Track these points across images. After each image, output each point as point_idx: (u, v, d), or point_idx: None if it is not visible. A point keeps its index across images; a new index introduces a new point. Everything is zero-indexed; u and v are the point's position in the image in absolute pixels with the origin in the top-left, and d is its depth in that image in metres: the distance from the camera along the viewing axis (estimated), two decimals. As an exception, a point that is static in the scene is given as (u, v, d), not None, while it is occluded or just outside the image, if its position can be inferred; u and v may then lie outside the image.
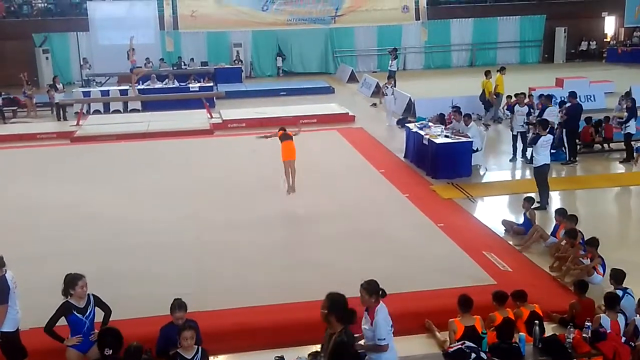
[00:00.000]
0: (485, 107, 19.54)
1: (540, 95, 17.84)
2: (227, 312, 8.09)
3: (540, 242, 10.11)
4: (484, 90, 19.55)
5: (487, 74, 19.67)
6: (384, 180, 13.73)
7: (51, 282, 8.92)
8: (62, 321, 6.49)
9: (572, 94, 15.60)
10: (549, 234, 10.13)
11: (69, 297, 6.47)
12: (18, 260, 9.85)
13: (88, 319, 6.51)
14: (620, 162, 15.06)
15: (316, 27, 31.15)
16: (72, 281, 6.47)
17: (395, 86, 24.94)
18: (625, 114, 15.25)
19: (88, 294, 6.54)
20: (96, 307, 6.63)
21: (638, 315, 7.11)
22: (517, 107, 15.68)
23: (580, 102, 16.25)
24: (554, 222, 10.29)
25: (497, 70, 19.96)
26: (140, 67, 23.10)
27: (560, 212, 10.19)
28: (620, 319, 7.03)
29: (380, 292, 6.27)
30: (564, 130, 15.12)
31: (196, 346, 6.18)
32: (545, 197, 11.86)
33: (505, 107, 19.63)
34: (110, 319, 6.73)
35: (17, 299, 6.86)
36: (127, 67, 26.15)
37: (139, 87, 23.96)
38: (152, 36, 29.14)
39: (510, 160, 15.39)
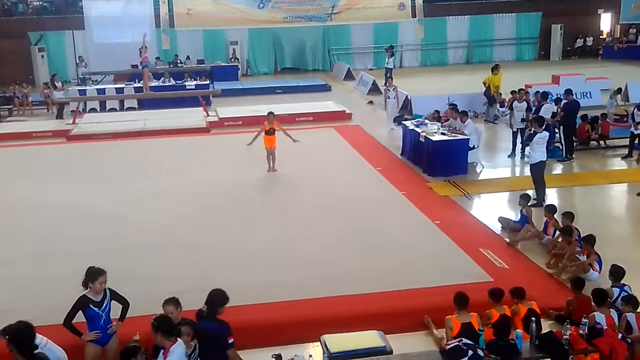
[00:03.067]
0: (490, 103, 19.51)
1: (537, 92, 17.91)
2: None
3: (534, 240, 10.13)
4: (489, 86, 19.52)
5: (494, 69, 19.67)
6: (381, 178, 13.73)
7: (48, 281, 8.97)
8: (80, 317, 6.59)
9: (568, 91, 15.61)
10: (542, 231, 10.17)
11: (88, 290, 6.55)
12: (16, 259, 9.91)
13: (104, 313, 6.60)
14: (622, 158, 15.08)
15: (312, 24, 31.14)
16: (93, 275, 6.56)
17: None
18: None
19: (104, 288, 6.62)
20: (112, 301, 6.70)
21: (625, 312, 7.11)
22: (515, 104, 15.72)
23: (577, 99, 16.29)
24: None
25: (492, 70, 19.95)
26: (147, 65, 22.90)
27: (550, 209, 10.23)
28: (614, 315, 7.05)
29: (175, 331, 6.00)
30: (561, 127, 15.13)
31: (193, 343, 6.20)
32: (542, 194, 11.88)
33: (498, 105, 19.67)
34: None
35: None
36: (123, 66, 26.19)
37: (136, 85, 23.95)
38: (148, 34, 29.00)
39: (509, 156, 15.41)
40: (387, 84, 19.60)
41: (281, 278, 8.94)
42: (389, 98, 19.11)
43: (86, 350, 6.61)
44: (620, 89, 20.62)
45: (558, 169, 14.58)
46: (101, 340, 6.61)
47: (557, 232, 9.74)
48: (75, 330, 6.56)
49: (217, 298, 6.40)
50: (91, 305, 6.53)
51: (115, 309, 6.82)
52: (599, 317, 6.93)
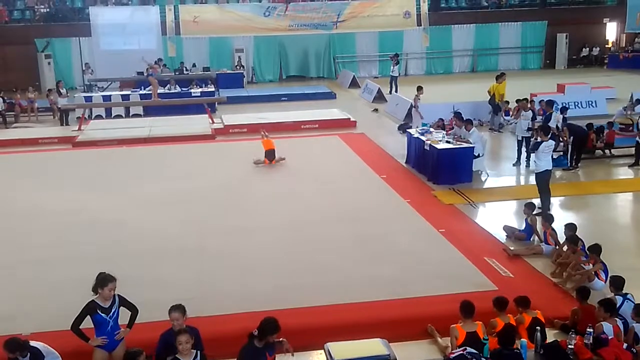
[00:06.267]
0: (495, 112, 19.46)
1: (541, 101, 17.92)
2: (229, 317, 8.09)
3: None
4: (494, 94, 19.47)
5: (498, 77, 19.61)
6: (386, 186, 13.72)
7: (52, 287, 8.98)
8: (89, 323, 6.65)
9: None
10: (542, 241, 10.17)
11: (97, 295, 6.59)
12: (20, 264, 9.94)
13: (112, 319, 6.64)
14: (629, 166, 15.05)
15: (318, 32, 31.22)
16: (102, 281, 6.60)
17: (397, 91, 25.05)
18: None
19: (114, 294, 6.66)
20: (121, 307, 6.74)
21: (635, 322, 7.10)
22: (522, 112, 15.72)
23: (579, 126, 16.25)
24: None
25: (496, 78, 19.90)
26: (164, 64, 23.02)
27: (547, 218, 10.22)
28: (620, 325, 7.03)
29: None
30: (571, 137, 15.08)
31: (194, 351, 6.20)
32: (547, 203, 11.84)
33: (504, 113, 19.64)
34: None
35: None
36: (129, 73, 26.35)
37: (141, 92, 24.03)
38: (154, 42, 29.23)
39: (514, 165, 15.39)
40: (417, 94, 18.99)
41: (285, 285, 8.93)
42: (415, 108, 18.77)
43: (94, 356, 6.66)
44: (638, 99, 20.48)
45: (563, 178, 14.54)
46: (108, 346, 6.64)
47: (562, 241, 9.71)
48: (83, 335, 6.59)
49: (268, 327, 6.35)
50: (99, 311, 6.57)
51: (124, 315, 6.83)
52: (607, 327, 6.90)
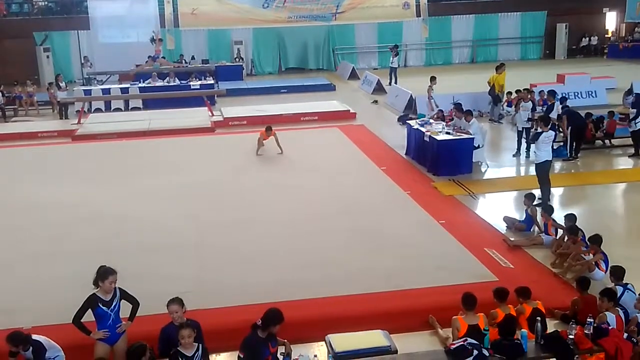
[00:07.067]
0: (494, 102, 19.41)
1: (541, 91, 17.87)
2: (229, 309, 8.10)
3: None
4: (494, 85, 19.42)
5: (498, 68, 19.55)
6: (385, 177, 13.71)
7: (53, 281, 9.00)
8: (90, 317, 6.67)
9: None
10: (542, 232, 10.19)
11: (98, 288, 6.60)
12: (20, 258, 9.94)
13: (113, 312, 6.66)
14: (630, 156, 15.06)
15: (317, 24, 31.15)
16: (103, 274, 6.60)
17: (396, 83, 25.02)
18: (633, 110, 15.16)
19: (114, 287, 6.67)
20: (122, 300, 6.75)
21: (638, 311, 7.12)
22: (522, 103, 15.69)
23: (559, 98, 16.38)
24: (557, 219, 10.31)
25: (496, 69, 19.84)
26: (164, 57, 23.09)
27: (546, 209, 10.22)
28: (622, 315, 7.05)
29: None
30: (569, 128, 15.08)
31: (196, 344, 6.22)
32: (547, 193, 11.84)
33: (506, 104, 19.61)
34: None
35: None
36: (128, 66, 26.26)
37: (141, 85, 23.99)
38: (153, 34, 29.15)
39: (514, 156, 15.38)
40: (430, 85, 19.24)
41: (286, 277, 8.94)
42: (432, 98, 18.91)
43: (95, 349, 6.67)
44: (629, 90, 20.47)
45: (563, 168, 14.54)
46: (110, 339, 6.66)
47: (562, 232, 9.73)
48: (84, 329, 6.61)
49: (272, 317, 6.37)
50: (100, 304, 6.58)
51: (125, 308, 6.84)
52: (610, 317, 6.92)
